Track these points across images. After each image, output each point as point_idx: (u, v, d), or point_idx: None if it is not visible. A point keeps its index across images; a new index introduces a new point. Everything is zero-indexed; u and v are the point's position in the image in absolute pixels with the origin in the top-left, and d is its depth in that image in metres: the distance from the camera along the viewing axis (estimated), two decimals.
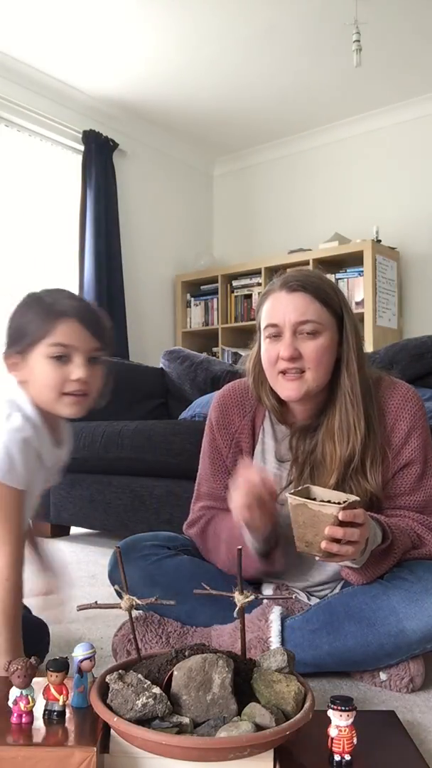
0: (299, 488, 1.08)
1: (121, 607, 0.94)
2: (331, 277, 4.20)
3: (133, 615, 0.97)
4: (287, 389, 1.21)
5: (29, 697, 0.86)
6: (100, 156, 4.17)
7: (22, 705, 0.85)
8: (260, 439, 1.35)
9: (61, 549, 2.53)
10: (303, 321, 1.18)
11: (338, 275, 4.20)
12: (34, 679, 0.87)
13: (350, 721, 0.81)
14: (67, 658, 0.90)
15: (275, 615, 1.21)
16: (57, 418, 1.16)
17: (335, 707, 0.81)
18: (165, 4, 3.25)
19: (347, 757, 0.81)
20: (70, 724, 0.86)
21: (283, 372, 1.21)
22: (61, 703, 0.87)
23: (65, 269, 4.09)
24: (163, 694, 0.81)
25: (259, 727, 0.78)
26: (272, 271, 4.44)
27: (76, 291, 4.02)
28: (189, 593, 1.03)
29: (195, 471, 1.44)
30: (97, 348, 1.12)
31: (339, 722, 0.81)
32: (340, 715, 0.81)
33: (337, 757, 0.81)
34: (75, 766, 0.79)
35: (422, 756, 0.86)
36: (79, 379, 1.09)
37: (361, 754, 0.83)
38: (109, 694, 0.82)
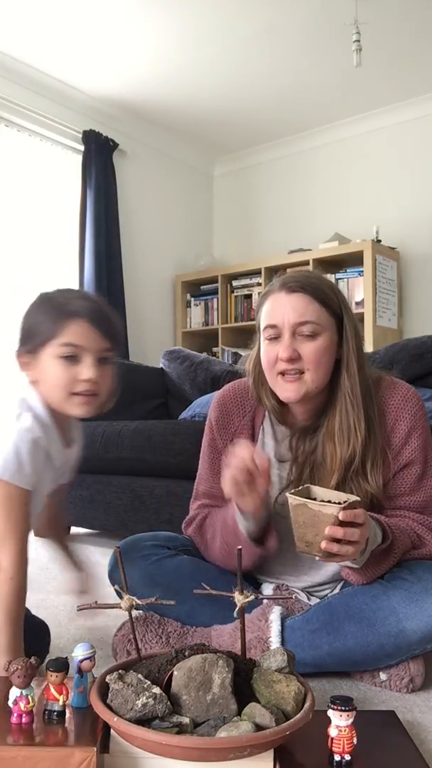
0: (299, 488, 1.08)
1: (121, 607, 0.94)
2: (331, 277, 4.20)
3: (133, 615, 0.98)
4: (286, 390, 1.21)
5: (29, 697, 0.86)
6: (100, 156, 4.17)
7: (22, 705, 0.85)
8: (260, 440, 1.35)
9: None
10: (302, 322, 1.18)
11: (338, 275, 4.20)
12: (34, 679, 0.87)
13: (350, 721, 0.81)
14: (67, 658, 0.90)
15: (275, 615, 1.21)
16: (67, 417, 1.16)
17: (335, 707, 0.81)
18: (165, 4, 3.25)
19: (347, 757, 0.81)
20: (70, 724, 0.86)
21: (282, 373, 1.21)
22: (61, 703, 0.87)
23: (65, 269, 4.09)
24: (163, 694, 0.81)
25: (259, 727, 0.78)
26: (272, 271, 4.43)
27: None
28: (189, 593, 1.03)
29: (195, 471, 1.44)
30: (108, 348, 1.12)
31: (339, 722, 0.81)
32: (340, 715, 0.81)
33: (337, 757, 0.81)
34: (75, 766, 0.79)
35: (422, 756, 0.86)
36: (88, 380, 1.09)
37: (361, 754, 0.83)
38: (109, 694, 0.82)
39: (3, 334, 3.70)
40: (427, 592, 1.14)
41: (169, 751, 0.76)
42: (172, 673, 0.85)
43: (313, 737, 0.84)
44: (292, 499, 1.03)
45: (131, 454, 2.36)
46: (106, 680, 0.84)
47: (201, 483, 1.41)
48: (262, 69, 3.85)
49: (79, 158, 4.15)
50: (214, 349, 4.75)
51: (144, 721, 0.79)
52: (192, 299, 4.91)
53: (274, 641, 1.17)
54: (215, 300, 4.79)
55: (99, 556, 2.37)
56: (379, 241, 4.14)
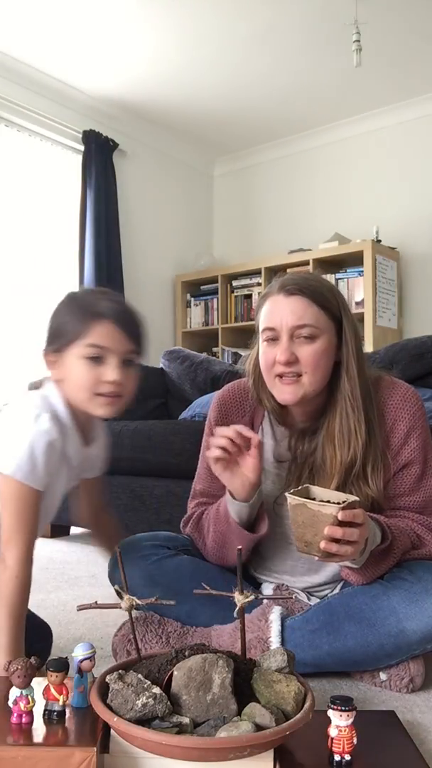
0: (298, 488, 1.08)
1: (121, 607, 0.94)
2: (331, 277, 4.20)
3: (133, 615, 0.98)
4: (283, 393, 1.22)
5: (29, 697, 0.86)
6: (100, 156, 4.17)
7: (22, 705, 0.85)
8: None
9: (60, 549, 2.53)
10: (300, 325, 1.18)
11: (338, 275, 4.20)
12: (34, 679, 0.87)
13: (350, 721, 0.81)
14: (67, 658, 0.90)
15: (275, 615, 1.21)
16: (89, 416, 1.17)
17: (335, 707, 0.81)
18: (165, 4, 3.25)
19: (347, 757, 0.81)
20: (70, 724, 0.86)
21: (280, 375, 1.21)
22: (61, 703, 0.87)
23: (65, 269, 4.09)
24: (163, 694, 0.81)
25: (259, 727, 0.78)
26: (272, 271, 4.43)
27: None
28: (189, 593, 1.03)
29: (195, 471, 1.44)
30: (132, 350, 1.13)
31: (339, 722, 0.81)
32: (340, 715, 0.81)
33: (337, 757, 0.81)
34: (75, 766, 0.79)
35: (422, 756, 0.86)
36: (112, 381, 1.10)
37: (361, 754, 0.83)
38: (109, 694, 0.82)
39: (4, 334, 3.70)
40: (427, 592, 1.14)
41: (169, 751, 0.76)
42: (172, 673, 0.85)
43: (313, 737, 0.84)
44: (291, 499, 1.03)
45: (131, 454, 2.36)
46: (106, 680, 0.84)
47: (199, 482, 1.41)
48: (262, 69, 3.85)
49: (79, 158, 4.15)
50: (214, 349, 4.75)
51: (144, 721, 0.79)
52: (192, 299, 4.91)
53: (274, 641, 1.17)
54: (215, 300, 4.79)
55: (99, 556, 2.37)
56: (379, 241, 4.14)
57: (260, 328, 1.24)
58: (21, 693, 0.85)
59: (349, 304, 4.04)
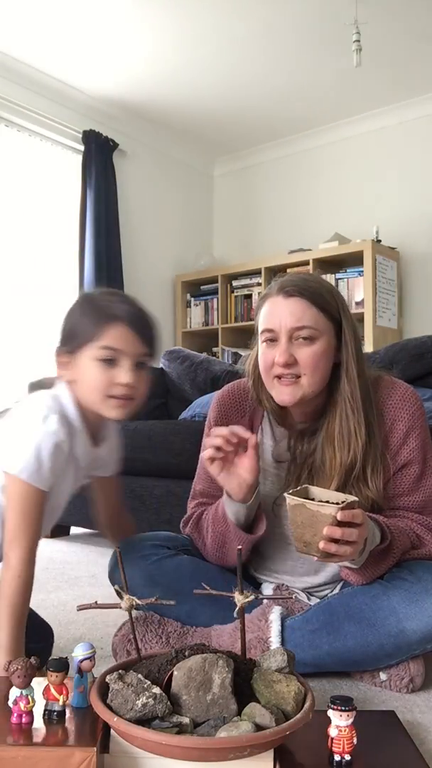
0: (297, 488, 1.08)
1: (121, 607, 0.94)
2: (331, 277, 4.20)
3: (133, 615, 0.98)
4: (282, 394, 1.22)
5: (29, 697, 0.86)
6: (100, 156, 4.17)
7: (22, 705, 0.85)
8: (258, 440, 1.35)
9: (60, 549, 2.53)
10: (299, 327, 1.18)
11: (338, 275, 4.20)
12: (34, 679, 0.87)
13: (350, 721, 0.81)
14: (67, 658, 0.90)
15: (275, 615, 1.21)
16: (100, 417, 1.17)
17: (335, 707, 0.81)
18: (165, 4, 3.25)
19: (347, 757, 0.81)
20: (70, 724, 0.86)
21: (279, 377, 1.21)
22: (61, 703, 0.87)
23: (65, 269, 4.09)
24: (163, 694, 0.81)
25: (259, 727, 0.78)
26: (272, 271, 4.44)
27: (76, 291, 4.05)
28: (189, 593, 1.03)
29: (195, 471, 1.44)
30: (146, 353, 1.14)
31: (339, 722, 0.81)
32: (340, 715, 0.81)
33: (337, 757, 0.81)
34: (75, 766, 0.79)
35: (422, 756, 0.86)
36: (125, 384, 1.10)
37: (361, 754, 0.83)
38: (109, 694, 0.82)
39: (4, 334, 3.70)
40: (427, 592, 1.14)
41: (169, 751, 0.76)
42: (172, 673, 0.85)
43: (313, 737, 0.84)
44: (290, 500, 1.03)
45: (131, 454, 2.35)
46: (106, 680, 0.84)
47: (198, 482, 1.41)
48: (262, 69, 3.85)
49: (79, 158, 4.15)
50: (214, 349, 4.75)
51: (144, 721, 0.79)
52: (192, 299, 4.91)
53: (274, 641, 1.17)
54: (215, 300, 4.79)
55: (99, 556, 2.37)
56: (379, 241, 4.14)
57: (259, 330, 1.24)
58: (21, 693, 0.85)
59: (349, 304, 4.07)
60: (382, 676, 1.19)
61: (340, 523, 1.00)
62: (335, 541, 1.01)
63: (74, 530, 2.87)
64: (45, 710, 0.87)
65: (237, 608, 0.92)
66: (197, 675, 0.82)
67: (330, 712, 0.82)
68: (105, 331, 1.10)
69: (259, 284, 4.61)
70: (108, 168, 4.24)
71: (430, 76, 3.96)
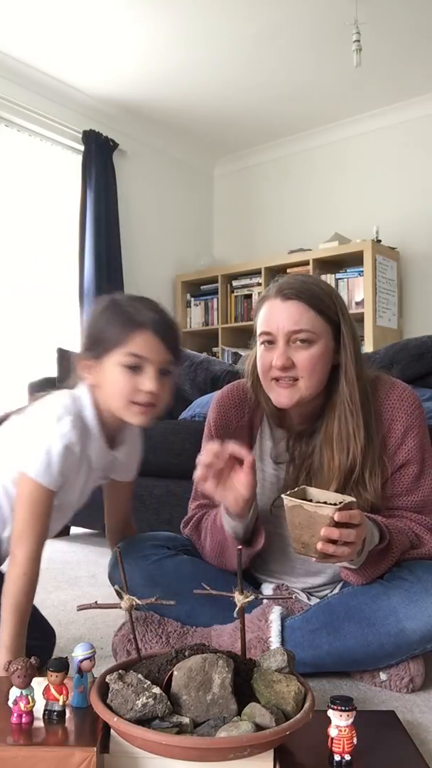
0: (295, 489, 1.08)
1: (121, 607, 0.94)
2: (331, 277, 4.20)
3: (133, 615, 0.98)
4: (280, 396, 1.22)
5: (29, 697, 0.86)
6: (100, 156, 4.17)
7: (22, 705, 0.85)
8: (258, 441, 1.36)
9: (61, 549, 2.53)
10: (296, 330, 1.18)
11: (338, 275, 4.20)
12: (34, 679, 0.87)
13: (350, 721, 0.81)
14: (67, 658, 0.90)
15: (275, 615, 1.21)
16: (120, 421, 1.18)
17: (335, 707, 0.81)
18: (165, 4, 3.25)
19: (347, 757, 0.81)
20: (70, 724, 0.86)
21: (277, 379, 1.21)
22: (61, 703, 0.87)
23: (65, 269, 4.09)
24: (163, 694, 0.81)
25: (259, 727, 0.78)
26: (272, 271, 4.44)
27: (76, 291, 4.05)
28: (189, 593, 1.03)
29: (194, 471, 1.44)
30: (170, 361, 1.14)
31: (339, 722, 0.81)
32: (340, 715, 0.81)
33: (337, 757, 0.81)
34: (75, 766, 0.79)
35: (422, 756, 0.86)
36: (149, 391, 1.11)
37: (361, 754, 0.83)
38: (109, 694, 0.82)
39: (5, 334, 3.70)
40: (426, 592, 1.14)
41: (169, 751, 0.76)
42: (172, 673, 0.85)
43: (313, 737, 0.84)
44: (288, 501, 1.03)
45: None
46: (106, 680, 0.84)
47: (199, 483, 1.41)
48: (262, 69, 3.85)
49: (79, 158, 4.15)
50: (214, 349, 4.75)
51: (144, 721, 0.79)
52: (192, 299, 4.91)
53: (274, 641, 1.17)
54: (215, 300, 4.79)
55: (99, 556, 2.37)
56: (379, 241, 4.14)
57: (257, 332, 1.24)
58: (21, 693, 0.85)
59: (349, 304, 4.07)
60: (382, 676, 1.19)
61: (337, 524, 1.00)
62: (333, 541, 1.01)
63: (74, 530, 2.87)
64: (45, 710, 0.87)
65: (237, 608, 0.92)
66: (197, 675, 0.82)
67: (330, 712, 0.82)
68: (131, 337, 1.10)
69: (259, 284, 4.60)
70: (108, 168, 4.24)
71: (430, 76, 3.96)
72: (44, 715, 0.87)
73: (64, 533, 2.82)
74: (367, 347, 3.91)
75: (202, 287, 4.89)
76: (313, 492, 1.08)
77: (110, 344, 1.11)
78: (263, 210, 5.01)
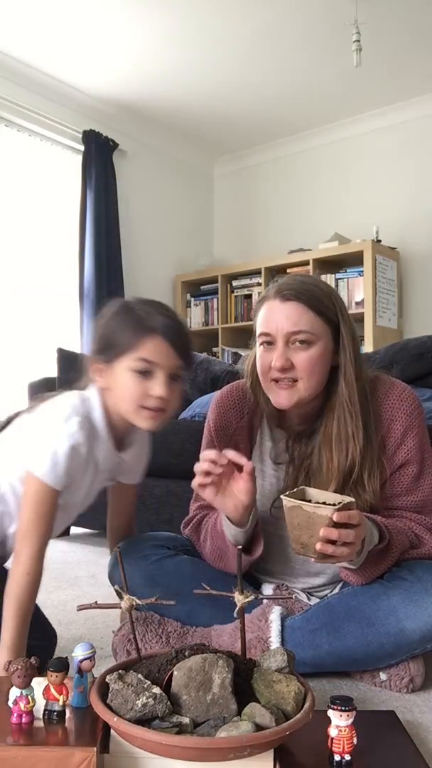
0: (294, 490, 1.08)
1: (121, 607, 0.94)
2: (331, 277, 4.20)
3: (133, 615, 0.98)
4: (279, 397, 1.22)
5: (29, 697, 0.86)
6: (100, 156, 4.17)
7: (22, 705, 0.85)
8: (258, 441, 1.36)
9: (61, 549, 2.53)
10: (295, 331, 1.18)
11: (338, 275, 4.20)
12: (34, 679, 0.87)
13: (350, 721, 0.81)
14: (67, 658, 0.90)
15: (275, 615, 1.21)
16: (129, 424, 1.19)
17: (335, 707, 0.81)
18: (165, 4, 3.25)
19: (347, 757, 0.81)
20: (70, 724, 0.86)
21: (276, 380, 1.21)
22: (61, 703, 0.87)
23: (65, 269, 4.09)
24: (163, 694, 0.81)
25: (259, 727, 0.78)
26: (272, 271, 4.44)
27: (76, 291, 4.05)
28: (189, 593, 1.03)
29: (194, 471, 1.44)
30: (180, 366, 1.15)
31: (339, 722, 0.81)
32: (340, 715, 0.81)
33: (337, 757, 0.81)
34: (75, 766, 0.79)
35: (422, 756, 0.86)
36: (159, 396, 1.11)
37: (361, 754, 0.83)
38: (109, 694, 0.82)
39: (5, 334, 3.70)
40: (426, 591, 1.14)
41: (169, 751, 0.76)
42: (172, 673, 0.85)
43: (313, 737, 0.84)
44: (287, 501, 1.03)
45: None
46: (106, 680, 0.84)
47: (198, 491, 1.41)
48: (262, 69, 3.85)
49: (79, 158, 4.15)
50: (214, 349, 4.75)
51: (144, 721, 0.79)
52: (192, 299, 4.91)
53: (274, 641, 1.17)
54: (215, 300, 4.79)
55: (99, 556, 2.37)
56: (379, 241, 4.14)
57: (257, 333, 1.24)
58: (21, 693, 0.85)
59: (349, 304, 4.07)
60: (382, 676, 1.19)
61: (336, 525, 1.00)
62: (332, 542, 1.01)
63: (74, 530, 2.87)
64: (45, 710, 0.87)
65: (237, 608, 0.92)
66: (197, 675, 0.82)
67: (330, 712, 0.82)
68: (142, 343, 1.11)
69: (259, 284, 4.60)
70: (108, 168, 4.24)
71: (429, 76, 3.96)
72: (44, 715, 0.87)
73: (64, 533, 2.82)
74: (367, 347, 3.91)
75: (202, 287, 4.89)
76: (313, 492, 1.08)
77: (121, 349, 1.12)
78: (263, 210, 5.01)
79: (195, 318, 4.88)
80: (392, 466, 1.25)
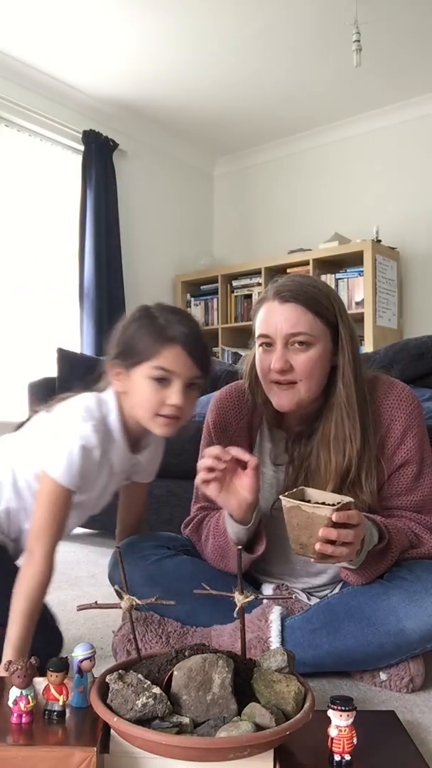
0: (293, 490, 1.08)
1: (121, 607, 0.94)
2: (331, 277, 4.20)
3: (133, 615, 0.98)
4: (280, 399, 1.22)
5: (29, 697, 0.86)
6: (100, 156, 4.17)
7: (22, 705, 0.85)
8: (258, 442, 1.36)
9: (61, 549, 2.53)
10: (294, 333, 1.18)
11: (338, 275, 4.20)
12: (35, 679, 0.87)
13: (350, 721, 0.81)
14: (67, 658, 0.90)
15: (275, 615, 1.21)
16: (145, 427, 1.20)
17: (335, 707, 0.81)
18: (166, 4, 3.25)
19: (347, 757, 0.81)
20: (70, 724, 0.86)
21: (276, 382, 1.21)
22: (61, 703, 0.87)
23: (65, 269, 4.09)
24: (163, 694, 0.81)
25: (259, 727, 0.78)
26: (272, 271, 4.44)
27: (76, 291, 4.05)
28: (189, 593, 1.03)
29: (194, 471, 1.44)
30: (197, 376, 1.16)
31: (339, 722, 0.81)
32: (340, 715, 0.81)
33: (337, 757, 0.81)
34: (75, 766, 0.79)
35: (422, 756, 0.86)
36: (174, 405, 1.13)
37: (361, 754, 0.83)
38: (109, 694, 0.82)
39: (5, 334, 3.70)
40: (426, 591, 1.14)
41: (169, 751, 0.76)
42: (172, 673, 0.85)
43: (313, 737, 0.84)
44: (286, 502, 1.03)
45: None
46: (106, 680, 0.84)
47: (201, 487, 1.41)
48: (262, 69, 3.85)
49: (79, 158, 4.15)
50: (214, 349, 4.75)
51: (144, 721, 0.79)
52: (192, 299, 4.91)
53: (274, 641, 1.17)
54: (215, 300, 4.79)
55: (99, 556, 2.37)
56: (379, 241, 4.14)
57: (256, 334, 1.24)
58: (21, 693, 0.85)
59: (349, 304, 4.07)
60: (382, 676, 1.19)
61: (335, 525, 1.00)
62: (331, 542, 1.01)
63: (74, 530, 2.86)
64: (45, 710, 0.87)
65: (237, 608, 0.92)
66: (197, 675, 0.82)
67: (330, 712, 0.82)
68: (161, 352, 1.12)
69: (259, 284, 4.60)
70: (108, 168, 4.24)
71: (429, 76, 3.96)
72: (44, 715, 0.87)
73: None
74: (367, 347, 3.91)
75: (202, 287, 4.89)
76: (312, 493, 1.08)
77: (141, 356, 1.13)
78: (263, 210, 5.01)
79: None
80: (392, 466, 1.25)
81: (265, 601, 1.26)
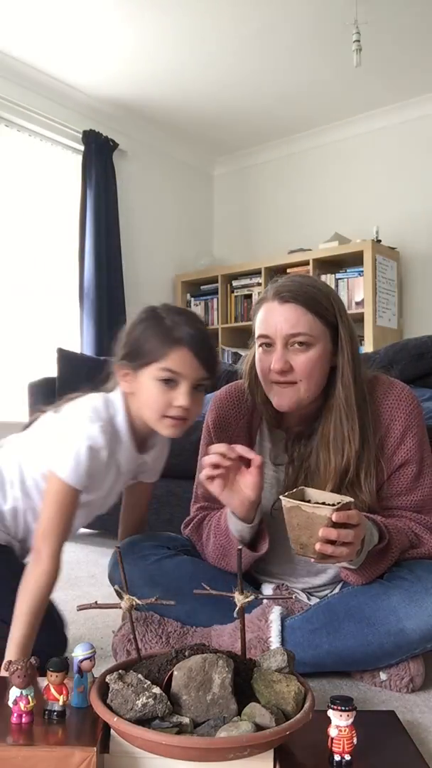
0: (293, 490, 1.08)
1: (121, 607, 0.94)
2: (331, 277, 4.20)
3: (133, 615, 0.98)
4: (280, 399, 1.22)
5: (29, 697, 0.86)
6: (100, 156, 4.17)
7: (22, 705, 0.85)
8: (257, 442, 1.36)
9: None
10: (294, 333, 1.18)
11: (338, 275, 4.20)
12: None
13: (350, 721, 0.81)
14: (67, 658, 0.90)
15: (275, 615, 1.21)
16: (152, 428, 1.21)
17: (335, 707, 0.81)
18: (166, 4, 3.25)
19: (347, 757, 0.81)
20: (70, 724, 0.86)
21: (276, 382, 1.21)
22: (61, 703, 0.87)
23: (65, 269, 4.09)
24: (163, 694, 0.81)
25: (259, 727, 0.78)
26: (272, 271, 4.43)
27: (76, 291, 4.05)
28: (189, 593, 1.04)
29: (194, 471, 1.44)
30: (205, 378, 1.16)
31: (339, 722, 0.81)
32: (340, 715, 0.81)
33: (337, 757, 0.81)
34: (75, 766, 0.79)
35: (422, 756, 0.86)
36: (181, 406, 1.13)
37: (361, 754, 0.83)
38: (109, 694, 0.82)
39: (5, 333, 3.70)
40: (426, 591, 1.14)
41: (169, 751, 0.76)
42: (172, 673, 0.85)
43: (313, 737, 0.84)
44: (286, 502, 1.03)
45: None
46: (106, 680, 0.84)
47: (200, 486, 1.41)
48: (262, 68, 3.85)
49: (79, 158, 4.15)
50: None
51: (144, 721, 0.79)
52: (192, 299, 4.91)
53: (274, 641, 1.17)
54: (215, 300, 4.79)
55: (99, 556, 2.37)
56: (379, 241, 4.14)
57: (255, 334, 1.24)
58: (21, 693, 0.85)
59: (349, 304, 4.07)
60: (382, 676, 1.19)
61: (335, 525, 1.00)
62: (331, 542, 1.01)
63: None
64: (45, 710, 0.87)
65: (237, 608, 0.92)
66: (197, 675, 0.82)
67: (330, 712, 0.82)
68: (169, 353, 1.13)
69: (259, 284, 4.60)
70: (108, 168, 4.24)
71: (429, 76, 3.96)
72: (44, 715, 0.87)
73: None
74: (367, 347, 3.91)
75: (202, 287, 4.89)
76: (312, 493, 1.08)
77: (148, 358, 1.14)
78: (263, 210, 5.01)
79: None
80: (392, 466, 1.25)
81: (265, 601, 1.26)
